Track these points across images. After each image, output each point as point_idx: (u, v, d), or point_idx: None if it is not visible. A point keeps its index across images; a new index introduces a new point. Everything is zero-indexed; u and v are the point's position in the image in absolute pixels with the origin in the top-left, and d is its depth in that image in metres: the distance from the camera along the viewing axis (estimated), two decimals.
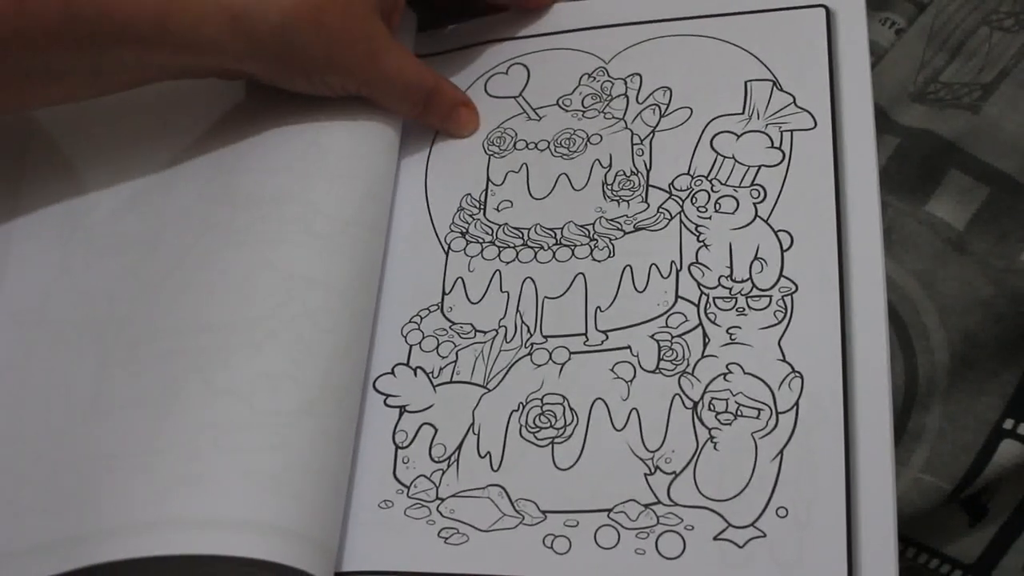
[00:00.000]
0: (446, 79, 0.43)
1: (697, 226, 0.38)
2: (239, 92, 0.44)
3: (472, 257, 0.41)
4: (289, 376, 0.35)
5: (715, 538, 0.33)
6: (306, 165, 0.40)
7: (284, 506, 0.32)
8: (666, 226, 0.39)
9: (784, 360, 0.35)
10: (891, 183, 0.40)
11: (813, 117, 0.39)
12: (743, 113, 0.40)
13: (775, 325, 0.36)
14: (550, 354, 0.38)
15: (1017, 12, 0.41)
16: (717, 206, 0.38)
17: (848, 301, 0.35)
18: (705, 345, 0.36)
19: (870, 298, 0.35)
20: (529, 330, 0.38)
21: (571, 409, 0.36)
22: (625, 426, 0.35)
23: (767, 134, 0.39)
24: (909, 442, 0.38)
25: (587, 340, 0.37)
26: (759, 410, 0.34)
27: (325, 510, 0.33)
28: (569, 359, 0.37)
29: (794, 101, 0.40)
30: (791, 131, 0.39)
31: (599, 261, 0.39)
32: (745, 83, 0.41)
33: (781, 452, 0.33)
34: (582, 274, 0.39)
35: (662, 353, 0.36)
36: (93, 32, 0.35)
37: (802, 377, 0.34)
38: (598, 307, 0.38)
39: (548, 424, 0.36)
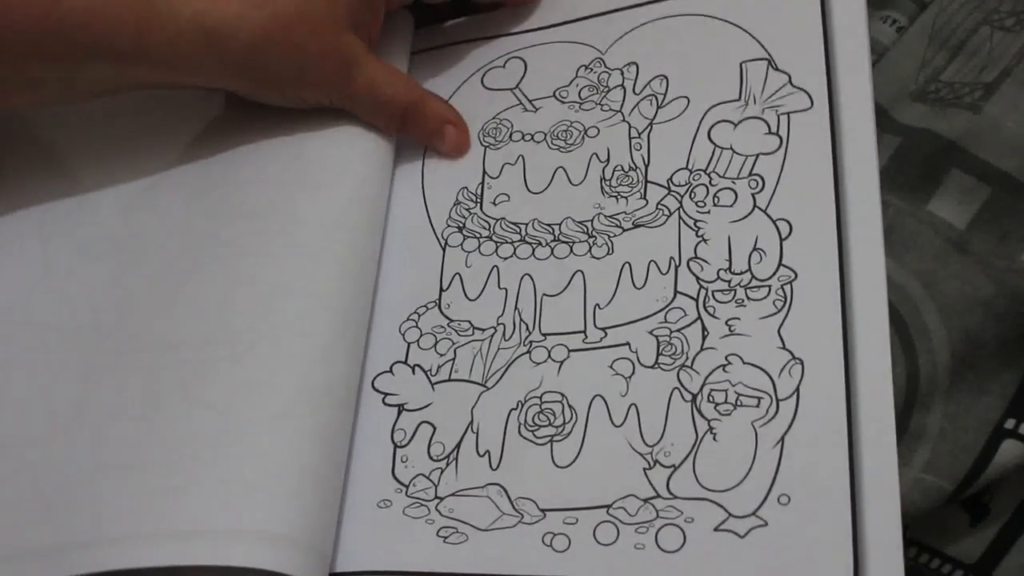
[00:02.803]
0: (433, 95, 0.43)
1: (696, 221, 0.38)
2: (226, 102, 0.44)
3: (469, 253, 0.40)
4: (266, 383, 0.35)
5: (715, 529, 0.32)
6: (291, 177, 0.40)
7: (263, 512, 0.32)
8: (665, 222, 0.39)
9: (784, 348, 0.34)
10: (892, 182, 0.39)
11: (809, 96, 0.38)
12: (739, 99, 0.40)
13: (775, 314, 0.35)
14: (549, 352, 0.37)
15: (1018, 12, 0.41)
16: (716, 200, 0.38)
17: (848, 286, 0.35)
18: (704, 338, 0.36)
19: (870, 283, 0.34)
20: (528, 327, 0.38)
21: (570, 407, 0.36)
22: (624, 422, 0.35)
23: (764, 119, 0.39)
24: (910, 442, 0.38)
25: (586, 337, 0.37)
26: (759, 398, 0.34)
27: (311, 512, 0.33)
28: (568, 357, 0.37)
29: (790, 80, 0.39)
30: (788, 113, 0.39)
31: (598, 259, 0.39)
32: (740, 65, 0.41)
33: (782, 439, 0.33)
34: (581, 271, 0.39)
35: (661, 348, 0.36)
36: (71, 45, 0.35)
37: (803, 364, 0.34)
38: (597, 304, 0.38)
39: (547, 422, 0.36)
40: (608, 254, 0.39)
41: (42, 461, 0.34)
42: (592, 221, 0.40)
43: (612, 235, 0.39)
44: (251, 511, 0.32)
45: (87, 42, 0.35)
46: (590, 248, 0.39)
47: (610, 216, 0.39)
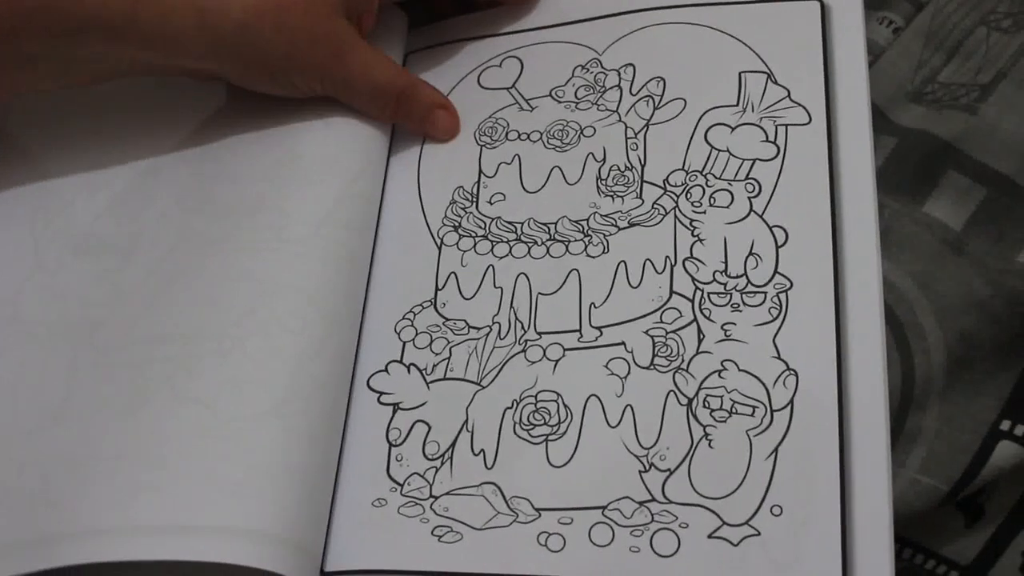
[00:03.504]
0: (423, 81, 0.43)
1: (691, 220, 0.38)
2: (218, 96, 0.43)
3: (465, 252, 0.40)
4: (254, 380, 0.34)
5: (709, 536, 0.32)
6: (281, 173, 0.40)
7: (249, 508, 0.32)
8: (660, 221, 0.39)
9: (779, 358, 0.35)
10: (888, 184, 0.40)
11: (808, 112, 0.39)
12: (737, 105, 0.40)
13: (770, 322, 0.35)
14: (544, 351, 0.37)
15: (1015, 13, 0.41)
16: (712, 200, 0.38)
17: (843, 298, 0.35)
18: (700, 341, 0.36)
19: (865, 296, 0.35)
20: (523, 326, 0.38)
21: (565, 406, 0.36)
22: (619, 423, 0.35)
23: (761, 127, 0.39)
24: (906, 443, 0.38)
25: (581, 336, 0.37)
26: (754, 407, 0.34)
27: (298, 510, 0.33)
28: (563, 356, 0.37)
29: (788, 95, 0.39)
30: (786, 126, 0.39)
31: (593, 257, 0.39)
32: (739, 74, 0.41)
33: (776, 450, 0.33)
34: (576, 270, 0.39)
35: (657, 349, 0.36)
36: (65, 18, 0.35)
37: (797, 375, 0.34)
38: (592, 303, 0.38)
39: (542, 421, 0.36)
40: (604, 253, 0.39)
41: (28, 454, 0.34)
42: (588, 220, 0.39)
43: (608, 234, 0.39)
44: (237, 507, 0.32)
45: (81, 16, 0.35)
46: (586, 247, 0.39)
47: (606, 215, 0.39)
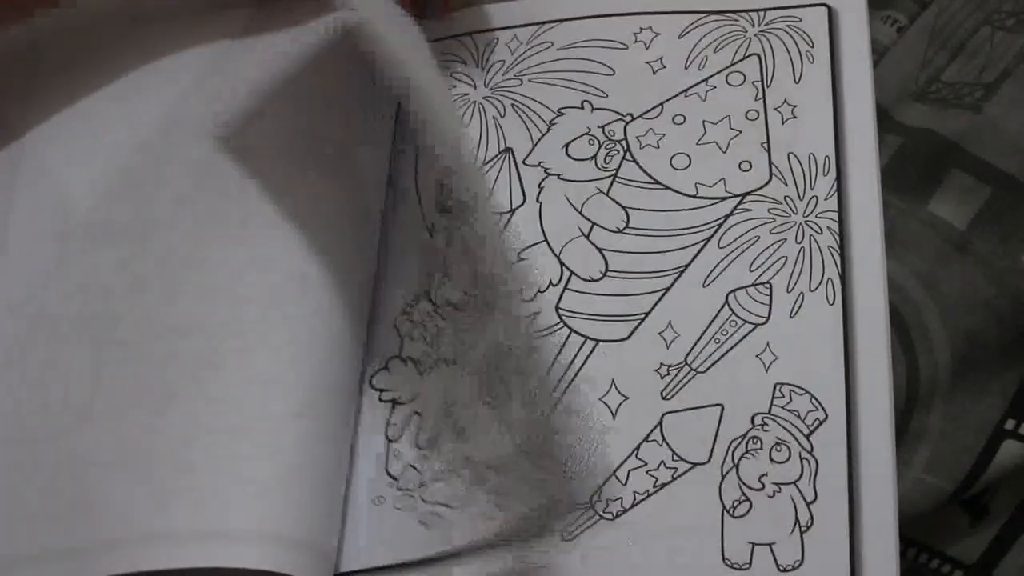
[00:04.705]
0: None
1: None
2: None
3: (452, 233, 0.40)
4: (280, 380, 0.34)
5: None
6: (301, 159, 0.39)
7: (275, 513, 0.32)
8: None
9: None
10: (893, 183, 0.39)
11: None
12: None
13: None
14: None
15: (1019, 12, 0.41)
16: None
17: (850, 300, 0.35)
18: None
19: (871, 296, 0.35)
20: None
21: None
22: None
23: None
24: (911, 443, 0.37)
25: None
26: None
27: (320, 514, 0.33)
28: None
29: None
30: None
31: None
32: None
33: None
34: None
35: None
36: None
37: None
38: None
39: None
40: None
41: (56, 457, 0.34)
42: None
43: None
44: (265, 512, 0.32)
45: None
46: None
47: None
